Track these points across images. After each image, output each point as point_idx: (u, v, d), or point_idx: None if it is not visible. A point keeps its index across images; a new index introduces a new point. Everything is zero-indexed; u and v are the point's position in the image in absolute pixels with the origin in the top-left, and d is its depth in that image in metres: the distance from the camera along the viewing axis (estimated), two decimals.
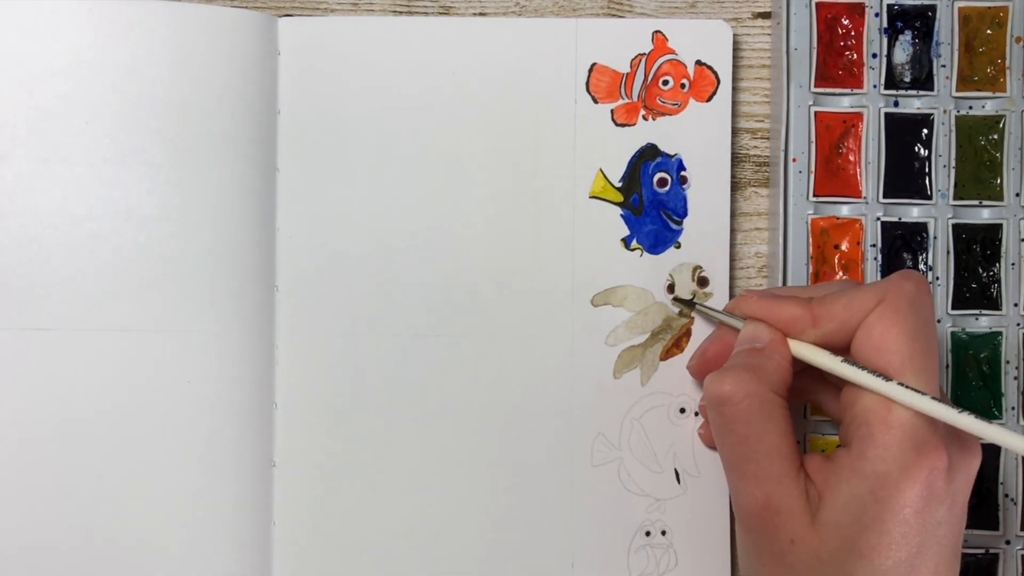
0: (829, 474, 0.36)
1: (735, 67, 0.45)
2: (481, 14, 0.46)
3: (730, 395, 0.36)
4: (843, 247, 0.44)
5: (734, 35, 0.44)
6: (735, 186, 0.45)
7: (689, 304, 0.43)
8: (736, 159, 0.45)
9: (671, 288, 0.44)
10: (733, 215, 0.45)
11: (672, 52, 0.44)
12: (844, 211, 0.44)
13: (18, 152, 0.42)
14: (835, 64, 0.44)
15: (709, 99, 0.44)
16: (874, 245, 0.44)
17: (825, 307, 0.37)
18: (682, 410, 0.44)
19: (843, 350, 0.37)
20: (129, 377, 0.42)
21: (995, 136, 0.44)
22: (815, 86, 0.44)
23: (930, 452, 0.34)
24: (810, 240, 0.44)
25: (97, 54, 0.42)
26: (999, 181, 0.44)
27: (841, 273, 0.44)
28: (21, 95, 0.42)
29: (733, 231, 0.45)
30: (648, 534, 0.44)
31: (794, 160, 0.44)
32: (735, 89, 0.45)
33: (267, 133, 0.43)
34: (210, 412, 0.42)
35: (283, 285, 0.43)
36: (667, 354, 0.44)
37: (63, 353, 0.42)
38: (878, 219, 0.44)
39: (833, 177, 0.44)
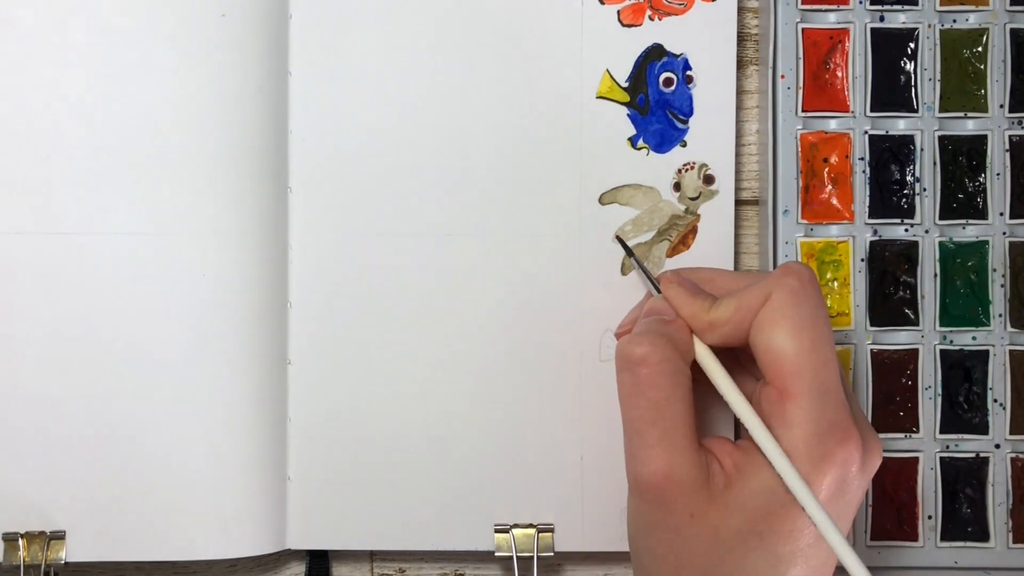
0: (744, 460, 0.36)
1: None
2: None
3: (646, 357, 0.36)
4: (832, 160, 0.45)
5: None
6: (736, 65, 0.45)
7: (627, 251, 0.44)
8: (737, 39, 0.45)
9: (677, 186, 0.44)
10: (738, 103, 0.45)
11: None
12: (832, 125, 0.45)
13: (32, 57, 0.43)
14: None
15: None
16: (862, 158, 0.45)
17: (719, 311, 0.37)
18: None
19: (745, 351, 0.38)
20: (145, 279, 0.43)
21: (979, 49, 0.45)
22: (802, 2, 0.44)
23: (844, 442, 0.35)
24: (799, 154, 0.45)
25: None
26: (983, 93, 0.45)
27: (830, 186, 0.45)
28: None
29: (739, 123, 0.45)
30: None
31: (782, 77, 0.44)
32: None
33: (279, 37, 0.44)
34: (226, 312, 0.43)
35: (296, 187, 0.44)
36: (673, 251, 0.45)
37: (80, 256, 0.43)
38: (866, 133, 0.45)
39: (821, 92, 0.45)
